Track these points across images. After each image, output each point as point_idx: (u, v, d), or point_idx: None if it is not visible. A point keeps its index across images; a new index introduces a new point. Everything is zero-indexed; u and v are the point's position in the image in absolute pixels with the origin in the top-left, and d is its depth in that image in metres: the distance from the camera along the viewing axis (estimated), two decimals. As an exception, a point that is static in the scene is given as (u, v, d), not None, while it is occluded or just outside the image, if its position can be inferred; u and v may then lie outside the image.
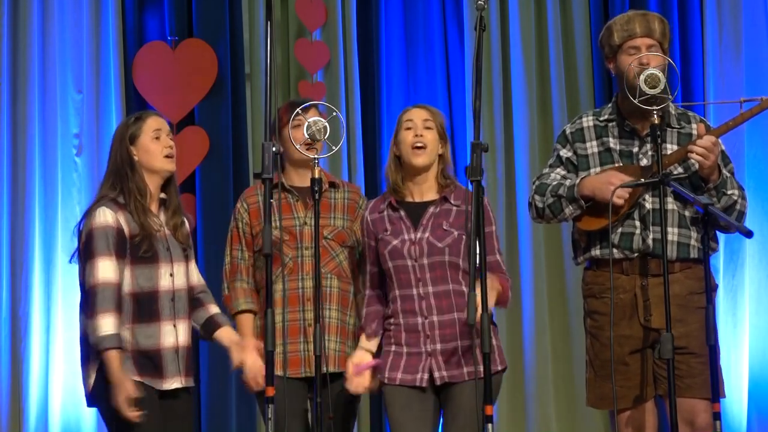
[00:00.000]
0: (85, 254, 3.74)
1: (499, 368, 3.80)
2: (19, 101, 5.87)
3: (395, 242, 3.79)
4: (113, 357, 3.63)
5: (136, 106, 5.90)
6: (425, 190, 3.84)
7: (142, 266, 3.74)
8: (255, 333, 3.98)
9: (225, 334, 3.91)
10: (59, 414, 5.67)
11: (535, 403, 5.98)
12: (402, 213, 3.82)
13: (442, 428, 3.79)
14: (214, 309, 3.95)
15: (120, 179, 3.80)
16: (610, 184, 3.74)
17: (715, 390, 3.66)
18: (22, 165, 5.83)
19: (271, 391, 3.37)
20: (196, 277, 3.97)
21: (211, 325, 3.91)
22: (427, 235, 3.76)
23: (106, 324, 3.63)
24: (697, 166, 3.76)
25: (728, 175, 3.84)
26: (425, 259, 3.75)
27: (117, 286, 3.69)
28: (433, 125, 3.84)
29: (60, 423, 5.67)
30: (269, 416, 3.36)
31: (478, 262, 3.21)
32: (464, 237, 3.73)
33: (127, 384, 3.61)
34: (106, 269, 3.68)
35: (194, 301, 3.92)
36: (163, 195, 3.88)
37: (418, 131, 3.80)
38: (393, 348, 3.80)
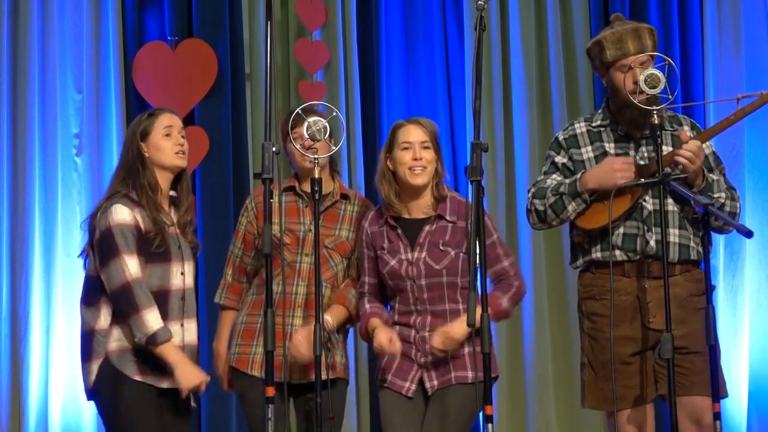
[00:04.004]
0: (105, 251, 3.69)
1: (492, 375, 3.77)
2: (19, 101, 5.87)
3: (393, 263, 3.80)
4: (170, 348, 3.67)
5: (136, 106, 5.90)
6: (421, 206, 3.83)
7: (154, 264, 3.73)
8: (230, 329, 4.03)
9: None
10: (59, 414, 5.67)
11: (535, 403, 5.98)
12: (399, 231, 3.82)
13: (423, 426, 3.76)
14: None
15: (131, 175, 3.79)
16: (614, 170, 3.75)
17: (715, 390, 3.66)
18: (22, 165, 5.83)
19: (271, 391, 3.36)
20: None
21: None
22: (423, 255, 3.77)
23: (153, 319, 3.65)
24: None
25: (715, 178, 3.84)
26: (423, 280, 3.76)
27: (145, 282, 3.69)
28: (431, 144, 3.82)
29: (60, 423, 5.66)
30: (269, 416, 3.36)
31: (478, 261, 3.21)
32: (461, 255, 3.73)
33: (192, 370, 3.72)
34: (134, 266, 3.67)
35: None
36: (173, 193, 3.87)
37: (417, 153, 3.79)
38: None
